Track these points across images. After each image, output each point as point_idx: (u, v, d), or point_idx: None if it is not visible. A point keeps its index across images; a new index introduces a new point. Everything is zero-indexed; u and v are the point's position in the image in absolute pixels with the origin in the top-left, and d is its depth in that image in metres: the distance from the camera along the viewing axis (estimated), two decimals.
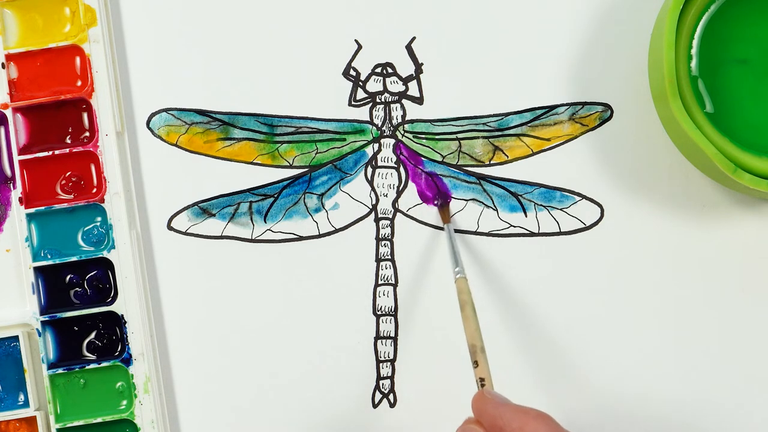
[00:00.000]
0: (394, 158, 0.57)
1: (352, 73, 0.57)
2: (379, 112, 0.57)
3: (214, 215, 0.57)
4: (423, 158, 0.57)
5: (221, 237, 0.57)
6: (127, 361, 0.56)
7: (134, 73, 0.57)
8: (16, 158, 0.56)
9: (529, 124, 0.57)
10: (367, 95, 0.57)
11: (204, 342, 0.57)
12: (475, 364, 0.50)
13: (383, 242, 0.57)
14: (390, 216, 0.57)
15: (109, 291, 0.57)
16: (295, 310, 0.57)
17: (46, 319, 0.56)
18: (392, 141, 0.57)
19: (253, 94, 0.57)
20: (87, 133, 0.57)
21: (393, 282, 0.57)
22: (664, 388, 0.56)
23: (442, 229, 0.57)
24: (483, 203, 0.57)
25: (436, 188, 0.57)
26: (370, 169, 0.57)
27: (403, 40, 0.57)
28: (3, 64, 0.57)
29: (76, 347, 0.57)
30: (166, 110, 0.57)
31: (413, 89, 0.57)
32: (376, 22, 0.57)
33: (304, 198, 0.57)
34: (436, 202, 0.57)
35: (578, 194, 0.57)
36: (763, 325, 0.56)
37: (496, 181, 0.57)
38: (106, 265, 0.57)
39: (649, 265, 0.56)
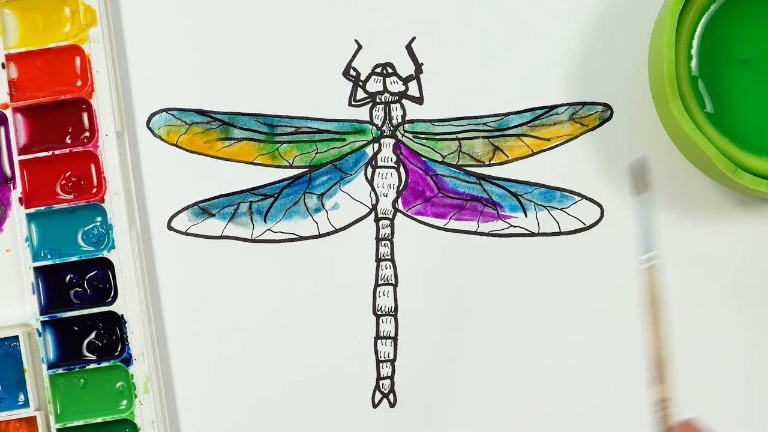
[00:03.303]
0: (394, 158, 0.57)
1: (352, 73, 0.57)
2: (379, 112, 0.57)
3: (214, 215, 0.57)
4: (423, 158, 0.57)
5: (221, 237, 0.57)
6: (127, 361, 0.56)
7: (134, 73, 0.57)
8: (16, 158, 0.56)
9: (529, 124, 0.57)
10: (367, 95, 0.57)
11: (204, 342, 0.57)
12: (658, 379, 0.43)
13: (383, 242, 0.57)
14: (390, 216, 0.57)
15: (109, 291, 0.57)
16: (295, 310, 0.57)
17: (46, 319, 0.56)
18: (392, 141, 0.57)
19: (253, 94, 0.57)
20: (87, 133, 0.57)
21: (393, 282, 0.57)
22: None
23: (441, 228, 0.57)
24: (483, 203, 0.57)
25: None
26: (370, 169, 0.57)
27: (403, 40, 0.57)
28: (3, 64, 0.57)
29: (76, 347, 0.57)
30: (166, 110, 0.57)
31: (413, 89, 0.57)
32: (376, 22, 0.57)
33: (304, 198, 0.57)
34: (635, 167, 0.49)
35: (578, 194, 0.57)
36: (764, 324, 0.56)
37: (496, 181, 0.57)
38: (106, 265, 0.57)
39: None
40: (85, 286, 0.57)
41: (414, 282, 0.57)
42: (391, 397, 0.57)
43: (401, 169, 0.57)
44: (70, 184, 0.57)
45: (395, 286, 0.57)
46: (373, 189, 0.57)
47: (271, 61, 0.57)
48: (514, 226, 0.57)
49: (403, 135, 0.57)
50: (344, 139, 0.57)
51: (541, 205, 0.57)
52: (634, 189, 0.49)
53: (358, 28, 0.57)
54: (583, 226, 0.57)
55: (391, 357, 0.57)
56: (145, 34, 0.57)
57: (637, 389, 0.56)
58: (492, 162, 0.57)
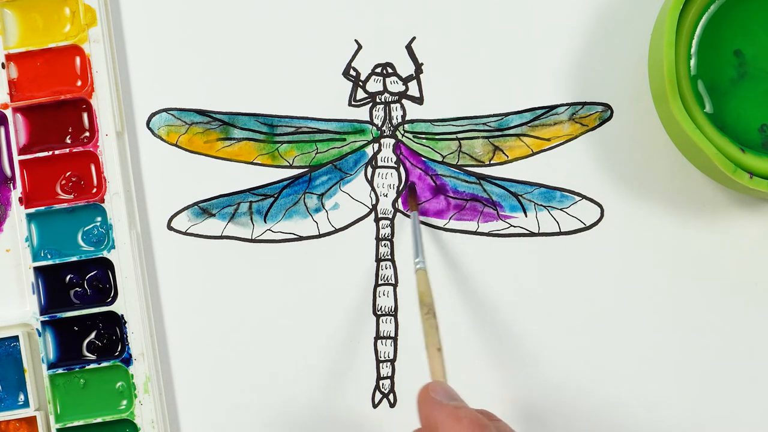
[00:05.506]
0: (394, 158, 0.57)
1: (352, 73, 0.57)
2: (379, 112, 0.57)
3: (214, 215, 0.57)
4: (423, 158, 0.57)
5: (221, 237, 0.57)
6: (127, 361, 0.56)
7: (134, 73, 0.57)
8: (16, 158, 0.56)
9: (529, 124, 0.57)
10: (367, 95, 0.57)
11: (204, 342, 0.57)
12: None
13: (383, 242, 0.57)
14: (390, 216, 0.57)
15: (109, 291, 0.57)
16: (294, 310, 0.57)
17: (46, 319, 0.56)
18: (392, 141, 0.57)
19: (253, 94, 0.57)
20: (87, 133, 0.57)
21: (393, 282, 0.57)
22: (663, 388, 0.56)
23: (441, 228, 0.57)
24: (483, 203, 0.57)
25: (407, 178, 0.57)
26: (370, 169, 0.57)
27: (403, 40, 0.57)
28: (3, 64, 0.57)
29: (76, 347, 0.57)
30: (166, 110, 0.57)
31: (413, 89, 0.57)
32: (376, 22, 0.57)
33: (304, 198, 0.57)
34: (404, 189, 0.57)
35: (578, 194, 0.57)
36: (764, 325, 0.56)
37: (496, 181, 0.57)
38: (106, 265, 0.57)
39: (649, 265, 0.56)
40: (85, 286, 0.57)
41: (414, 282, 0.57)
42: (391, 397, 0.57)
43: (401, 169, 0.57)
44: (70, 184, 0.57)
45: (395, 286, 0.57)
46: (373, 189, 0.57)
47: (271, 61, 0.57)
48: (514, 226, 0.57)
49: (403, 135, 0.57)
50: (344, 139, 0.57)
51: (541, 205, 0.57)
52: (409, 208, 0.56)
53: (358, 28, 0.57)
54: (583, 226, 0.57)
55: (391, 357, 0.57)
56: (145, 34, 0.57)
57: (637, 389, 0.56)
58: (492, 162, 0.57)
